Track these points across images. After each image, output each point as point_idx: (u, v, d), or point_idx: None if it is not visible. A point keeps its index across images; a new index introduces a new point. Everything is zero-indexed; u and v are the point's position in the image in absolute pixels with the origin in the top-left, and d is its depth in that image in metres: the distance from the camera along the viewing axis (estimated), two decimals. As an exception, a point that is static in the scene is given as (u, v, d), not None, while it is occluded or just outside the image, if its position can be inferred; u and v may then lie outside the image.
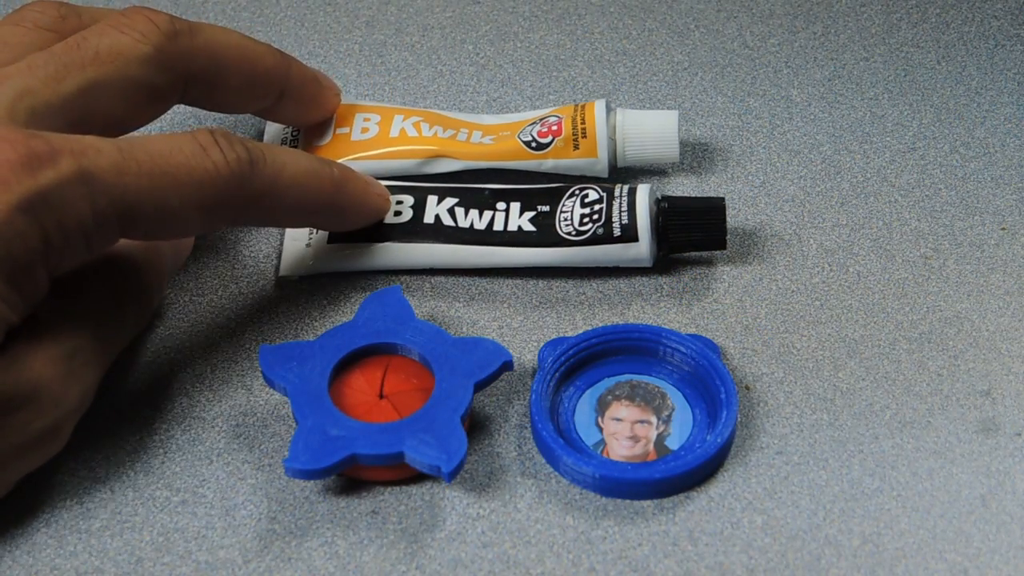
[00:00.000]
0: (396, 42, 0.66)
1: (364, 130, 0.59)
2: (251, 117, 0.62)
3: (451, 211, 0.55)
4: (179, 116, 0.62)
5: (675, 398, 0.51)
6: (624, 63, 0.65)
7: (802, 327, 0.54)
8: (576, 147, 0.57)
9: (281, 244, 0.57)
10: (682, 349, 0.52)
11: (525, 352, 0.53)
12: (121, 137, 0.47)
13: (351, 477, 0.49)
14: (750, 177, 0.59)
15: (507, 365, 0.50)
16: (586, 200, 0.55)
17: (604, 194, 0.55)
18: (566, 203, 0.55)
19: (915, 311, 0.54)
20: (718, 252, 0.56)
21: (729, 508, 0.48)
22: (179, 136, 0.48)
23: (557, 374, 0.51)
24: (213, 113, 0.61)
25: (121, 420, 0.51)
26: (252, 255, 0.57)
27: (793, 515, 0.48)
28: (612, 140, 0.58)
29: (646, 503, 0.49)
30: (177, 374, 0.53)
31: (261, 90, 0.55)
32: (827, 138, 0.61)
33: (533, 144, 0.58)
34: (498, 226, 0.55)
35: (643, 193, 0.55)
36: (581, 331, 0.53)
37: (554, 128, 0.58)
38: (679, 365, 0.52)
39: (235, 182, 0.48)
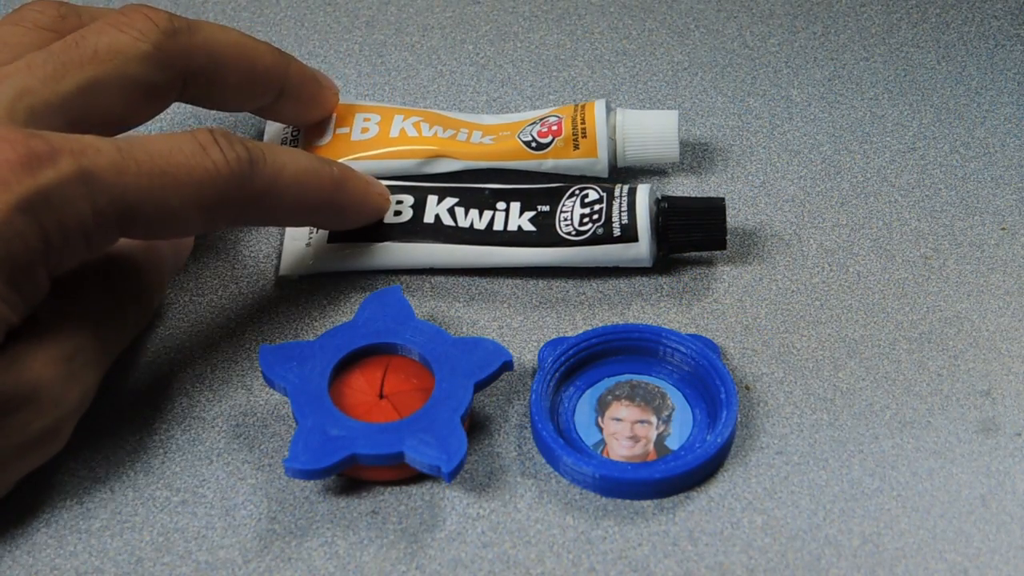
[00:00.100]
0: (396, 42, 0.66)
1: (364, 130, 0.59)
2: (251, 117, 0.62)
3: (451, 211, 0.56)
4: (179, 115, 0.62)
5: (675, 398, 0.51)
6: (624, 63, 0.65)
7: (802, 327, 0.54)
8: (576, 147, 0.57)
9: (281, 244, 0.57)
10: (682, 349, 0.52)
11: (525, 352, 0.53)
12: (120, 136, 0.47)
13: (351, 477, 0.49)
14: (750, 177, 0.59)
15: (507, 365, 0.50)
16: (586, 200, 0.55)
17: (604, 194, 0.55)
18: (566, 203, 0.55)
19: (915, 311, 0.54)
20: (718, 252, 0.56)
21: (729, 508, 0.48)
22: (179, 136, 0.48)
23: (557, 374, 0.51)
24: (213, 112, 0.61)
25: (121, 420, 0.51)
26: (252, 255, 0.57)
27: (793, 515, 0.48)
28: (612, 140, 0.58)
29: (646, 503, 0.49)
30: (177, 374, 0.53)
31: (260, 88, 0.55)
32: (827, 138, 0.61)
33: (533, 144, 0.58)
34: (498, 226, 0.55)
35: (643, 193, 0.55)
36: (581, 331, 0.53)
37: (554, 128, 0.58)
38: (679, 365, 0.52)
39: (235, 182, 0.48)
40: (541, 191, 0.56)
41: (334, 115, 0.60)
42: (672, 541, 0.48)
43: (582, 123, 0.57)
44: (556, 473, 0.49)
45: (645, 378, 0.52)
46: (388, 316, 0.52)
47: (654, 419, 0.51)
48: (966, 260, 0.56)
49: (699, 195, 0.59)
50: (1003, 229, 0.57)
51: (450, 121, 0.59)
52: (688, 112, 0.62)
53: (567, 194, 0.55)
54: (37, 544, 0.48)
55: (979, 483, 0.49)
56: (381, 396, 0.50)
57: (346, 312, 0.55)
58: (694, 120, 0.62)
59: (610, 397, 0.51)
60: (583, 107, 0.58)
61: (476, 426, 0.51)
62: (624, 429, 0.50)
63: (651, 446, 0.50)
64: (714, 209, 0.55)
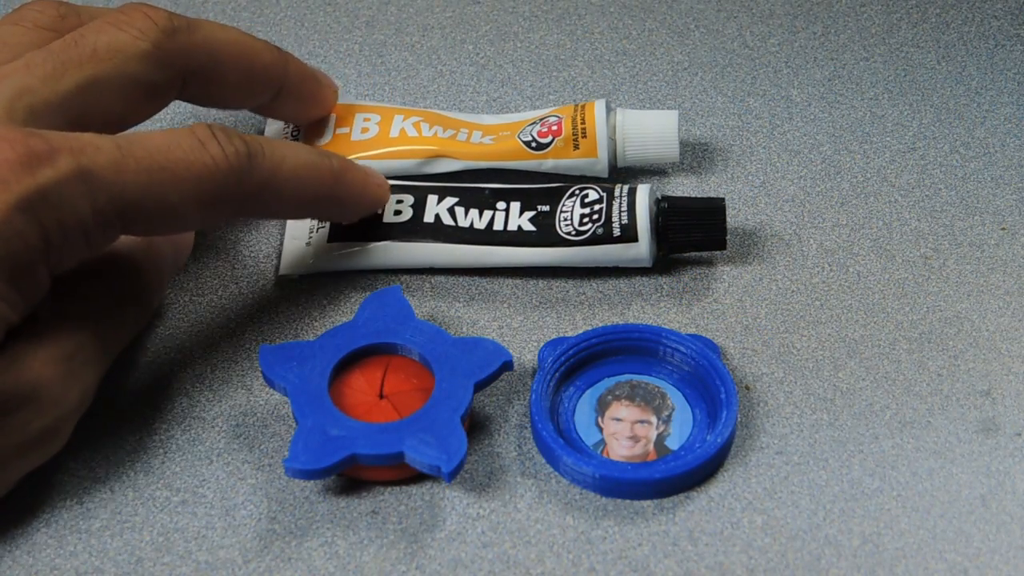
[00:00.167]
0: (396, 42, 0.66)
1: (364, 130, 0.59)
2: (252, 116, 0.62)
3: (451, 211, 0.56)
4: (179, 114, 0.62)
5: (675, 398, 0.51)
6: (624, 63, 0.65)
7: (802, 327, 0.54)
8: (576, 147, 0.57)
9: (281, 243, 0.57)
10: (682, 349, 0.52)
11: (525, 352, 0.53)
12: (120, 134, 0.47)
13: (351, 477, 0.49)
14: (750, 177, 0.59)
15: (507, 365, 0.50)
16: (586, 200, 0.55)
17: (604, 194, 0.55)
18: (566, 203, 0.55)
19: (915, 311, 0.54)
20: (718, 252, 0.56)
21: (729, 508, 0.48)
22: (177, 132, 0.47)
23: (557, 374, 0.51)
24: (212, 110, 0.61)
25: (121, 420, 0.51)
26: (252, 255, 0.57)
27: (793, 515, 0.48)
28: (612, 140, 0.58)
29: (646, 503, 0.49)
30: (177, 374, 0.53)
31: (259, 86, 0.55)
32: (827, 138, 0.61)
33: (533, 144, 0.58)
34: (498, 226, 0.55)
35: (643, 193, 0.55)
36: (581, 331, 0.53)
37: (554, 128, 0.58)
38: (679, 365, 0.52)
39: (234, 176, 0.48)
40: (541, 191, 0.56)
41: (334, 115, 0.60)
42: (672, 541, 0.48)
43: (582, 123, 0.57)
44: (556, 473, 0.49)
45: (645, 378, 0.52)
46: (388, 316, 0.52)
47: (654, 419, 0.51)
48: (966, 260, 0.56)
49: (699, 195, 0.59)
50: (1003, 229, 0.57)
51: (450, 121, 0.59)
52: (688, 112, 0.62)
53: (567, 194, 0.55)
54: (37, 544, 0.48)
55: (979, 483, 0.49)
56: (381, 396, 0.50)
57: (346, 312, 0.55)
58: (694, 120, 0.62)
59: (610, 397, 0.51)
60: (583, 107, 0.58)
61: (476, 426, 0.51)
62: (624, 429, 0.50)
63: (651, 446, 0.50)
64: (714, 209, 0.55)
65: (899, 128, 0.61)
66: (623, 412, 0.51)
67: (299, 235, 0.56)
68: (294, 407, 0.49)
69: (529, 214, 0.55)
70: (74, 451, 0.50)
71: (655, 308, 0.54)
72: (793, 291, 0.55)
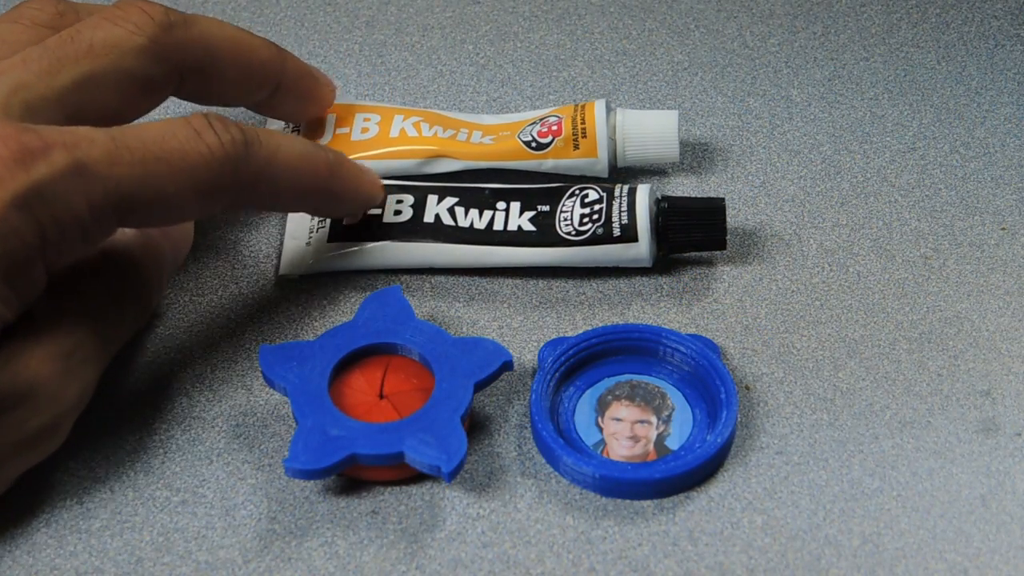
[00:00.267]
0: (396, 42, 0.66)
1: (364, 130, 0.59)
2: (250, 115, 0.62)
3: (451, 211, 0.56)
4: (175, 112, 0.62)
5: (675, 398, 0.51)
6: (624, 63, 0.65)
7: (802, 327, 0.54)
8: (576, 147, 0.57)
9: (281, 243, 0.57)
10: (682, 349, 0.52)
11: (525, 352, 0.53)
12: (115, 127, 0.47)
13: (351, 477, 0.49)
14: (750, 177, 0.59)
15: (507, 365, 0.50)
16: (586, 200, 0.55)
17: (604, 194, 0.55)
18: (566, 203, 0.55)
19: (915, 311, 0.54)
20: (718, 252, 0.56)
21: (729, 508, 0.48)
22: (172, 121, 0.47)
23: (557, 374, 0.51)
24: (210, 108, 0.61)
25: (121, 420, 0.51)
26: (252, 255, 0.57)
27: (793, 515, 0.48)
28: (612, 140, 0.58)
29: (646, 503, 0.49)
30: (177, 374, 0.53)
31: (256, 83, 0.55)
32: (827, 138, 0.61)
33: (533, 144, 0.58)
34: (498, 226, 0.55)
35: (643, 193, 0.55)
36: (581, 331, 0.53)
37: (554, 128, 0.58)
38: (679, 365, 0.52)
39: (230, 165, 0.48)
40: (541, 191, 0.56)
41: (334, 115, 0.60)
42: (672, 541, 0.48)
43: (582, 123, 0.57)
44: (556, 473, 0.49)
45: (645, 378, 0.52)
46: (388, 316, 0.52)
47: (654, 419, 0.51)
48: (966, 260, 0.56)
49: (699, 195, 0.59)
50: (1003, 229, 0.57)
51: (450, 121, 0.59)
52: (688, 112, 0.62)
53: (567, 194, 0.55)
54: (37, 544, 0.48)
55: (979, 483, 0.49)
56: (381, 396, 0.50)
57: (346, 312, 0.55)
58: (694, 120, 0.62)
59: (610, 397, 0.51)
60: (583, 107, 0.58)
61: (476, 426, 0.51)
62: (624, 429, 0.50)
63: (651, 446, 0.50)
64: (714, 209, 0.55)
65: (899, 128, 0.61)
66: (623, 412, 0.51)
67: (299, 235, 0.56)
68: (294, 407, 0.49)
69: (529, 214, 0.55)
70: (74, 451, 0.50)
71: (655, 308, 0.54)
72: (793, 291, 0.55)
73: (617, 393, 0.51)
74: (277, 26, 0.67)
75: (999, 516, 0.48)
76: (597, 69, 0.64)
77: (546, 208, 0.55)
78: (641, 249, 0.54)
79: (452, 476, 0.47)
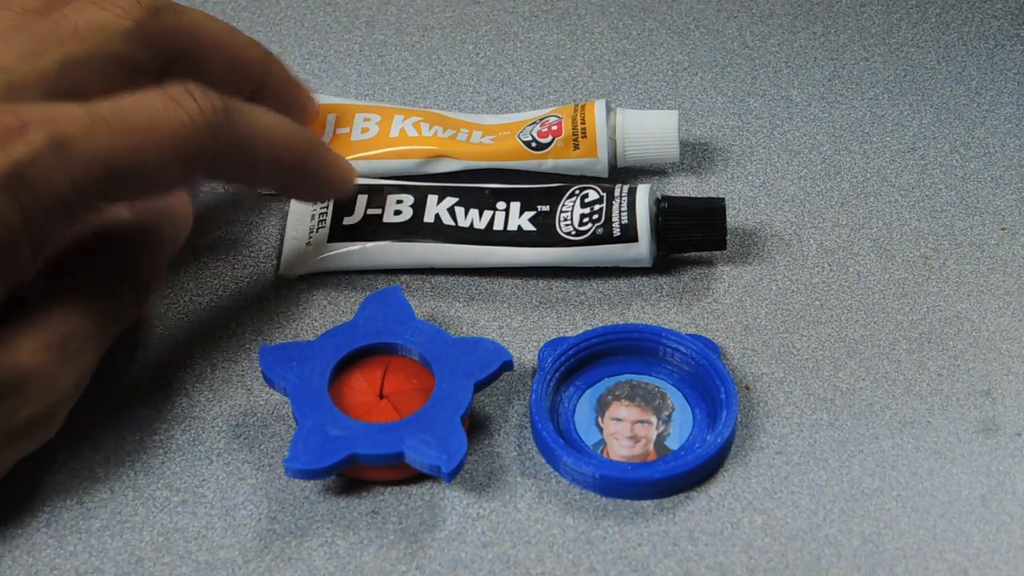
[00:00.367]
0: (396, 42, 0.66)
1: (364, 130, 0.59)
2: None
3: (451, 211, 0.56)
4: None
5: (675, 398, 0.51)
6: (624, 63, 0.65)
7: (802, 327, 0.54)
8: (576, 147, 0.57)
9: (281, 243, 0.57)
10: (682, 349, 0.51)
11: (525, 352, 0.53)
12: (91, 101, 0.46)
13: (351, 477, 0.49)
14: (750, 177, 0.59)
15: (507, 365, 0.50)
16: (586, 200, 0.55)
17: (604, 194, 0.55)
18: (566, 203, 0.55)
19: (915, 311, 0.54)
20: (718, 252, 0.56)
21: (729, 508, 0.48)
22: (149, 92, 0.47)
23: (557, 374, 0.51)
24: None
25: (121, 420, 0.51)
26: (252, 255, 0.57)
27: (793, 515, 0.48)
28: (612, 140, 0.58)
29: (646, 503, 0.49)
30: (177, 374, 0.53)
31: (240, 78, 0.54)
32: (827, 138, 0.61)
33: (533, 144, 0.58)
34: (498, 226, 0.55)
35: (643, 193, 0.55)
36: (581, 331, 0.53)
37: (554, 128, 0.58)
38: (679, 365, 0.52)
39: (211, 130, 0.47)
40: (541, 191, 0.56)
41: (335, 115, 0.60)
42: (672, 541, 0.48)
43: (582, 123, 0.57)
44: (556, 473, 0.49)
45: (645, 378, 0.52)
46: (388, 316, 0.52)
47: (654, 419, 0.51)
48: (966, 260, 0.56)
49: (699, 195, 0.59)
50: (1003, 229, 0.57)
51: (450, 121, 0.59)
52: (688, 112, 0.62)
53: (567, 194, 0.55)
54: (37, 544, 0.48)
55: (979, 483, 0.49)
56: (381, 396, 0.50)
57: (346, 312, 0.55)
58: (694, 120, 0.62)
59: (610, 397, 0.51)
60: (583, 107, 0.58)
61: (476, 426, 0.51)
62: (624, 429, 0.50)
63: (651, 446, 0.50)
64: (714, 209, 0.55)
65: (899, 128, 0.61)
66: (623, 412, 0.51)
67: (299, 235, 0.56)
68: (294, 407, 0.49)
69: (529, 214, 0.55)
70: (74, 451, 0.50)
71: (655, 308, 0.54)
72: (793, 291, 0.55)
73: (617, 393, 0.51)
74: (277, 26, 0.67)
75: (999, 516, 0.48)
76: (597, 69, 0.64)
77: (546, 208, 0.55)
78: (641, 249, 0.54)
79: (452, 476, 0.47)
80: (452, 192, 0.56)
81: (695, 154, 0.60)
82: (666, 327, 0.53)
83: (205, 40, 0.52)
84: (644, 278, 0.55)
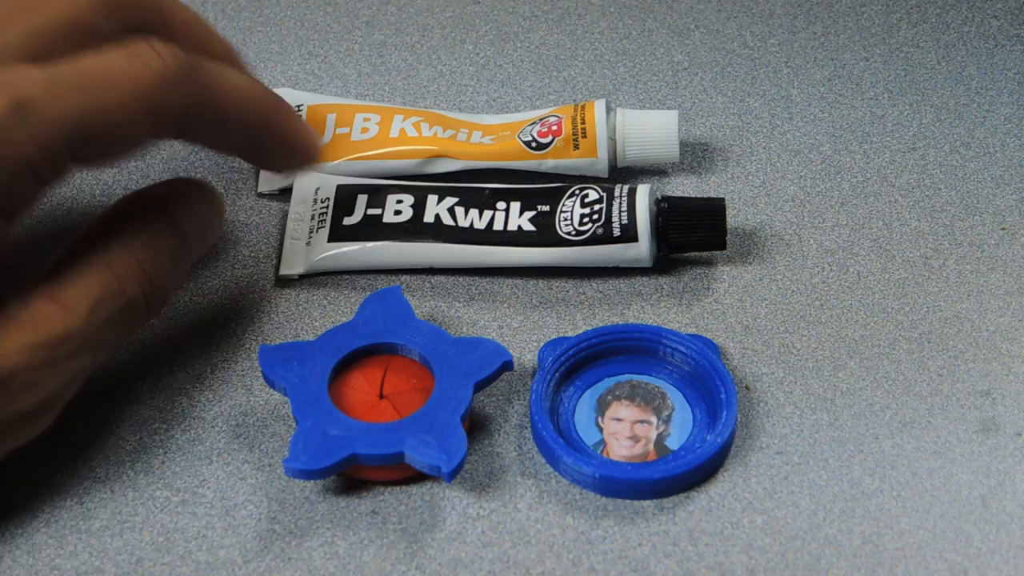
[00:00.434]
0: (396, 42, 0.66)
1: (364, 130, 0.59)
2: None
3: (451, 211, 0.56)
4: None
5: (675, 398, 0.51)
6: (624, 63, 0.65)
7: (802, 327, 0.54)
8: (576, 147, 0.57)
9: (281, 243, 0.57)
10: (682, 349, 0.51)
11: (525, 352, 0.53)
12: (51, 62, 0.45)
13: (351, 477, 0.49)
14: (750, 177, 0.59)
15: (507, 365, 0.50)
16: (586, 200, 0.55)
17: (604, 194, 0.55)
18: (566, 203, 0.55)
19: (915, 311, 0.54)
20: (718, 252, 0.56)
21: (729, 508, 0.48)
22: (112, 49, 0.46)
23: (557, 374, 0.51)
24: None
25: (121, 420, 0.51)
26: (252, 255, 0.57)
27: (793, 515, 0.48)
28: (612, 140, 0.58)
29: (646, 503, 0.49)
30: (177, 374, 0.53)
31: (209, 52, 0.52)
32: (827, 138, 0.61)
33: (533, 144, 0.58)
34: (498, 226, 0.55)
35: (643, 193, 0.55)
36: (581, 331, 0.53)
37: (554, 128, 0.58)
38: (679, 365, 0.52)
39: (176, 82, 0.46)
40: (541, 191, 0.56)
41: (335, 115, 0.60)
42: (672, 541, 0.48)
43: (582, 123, 0.57)
44: (556, 473, 0.49)
45: (645, 378, 0.52)
46: (388, 316, 0.52)
47: (654, 419, 0.51)
48: (966, 260, 0.56)
49: (699, 195, 0.59)
50: (1003, 229, 0.57)
51: (450, 121, 0.59)
52: (688, 112, 0.62)
53: (567, 194, 0.55)
54: (37, 544, 0.48)
55: (979, 483, 0.49)
56: (381, 396, 0.50)
57: (346, 312, 0.55)
58: (694, 120, 0.62)
59: (610, 397, 0.51)
60: (583, 107, 0.58)
61: (476, 426, 0.51)
62: (624, 429, 0.50)
63: (651, 446, 0.50)
64: (714, 209, 0.55)
65: (899, 128, 0.61)
66: (623, 412, 0.51)
67: (299, 235, 0.56)
68: (294, 407, 0.49)
69: (529, 214, 0.55)
70: (74, 451, 0.50)
71: (655, 308, 0.54)
72: (793, 291, 0.55)
73: (617, 393, 0.51)
74: (277, 26, 0.67)
75: (999, 516, 0.48)
76: (597, 69, 0.64)
77: (546, 208, 0.55)
78: (641, 249, 0.54)
79: (452, 476, 0.47)
80: (452, 192, 0.56)
81: (695, 154, 0.60)
82: (666, 327, 0.53)
83: (173, 17, 0.51)
84: (644, 278, 0.55)
